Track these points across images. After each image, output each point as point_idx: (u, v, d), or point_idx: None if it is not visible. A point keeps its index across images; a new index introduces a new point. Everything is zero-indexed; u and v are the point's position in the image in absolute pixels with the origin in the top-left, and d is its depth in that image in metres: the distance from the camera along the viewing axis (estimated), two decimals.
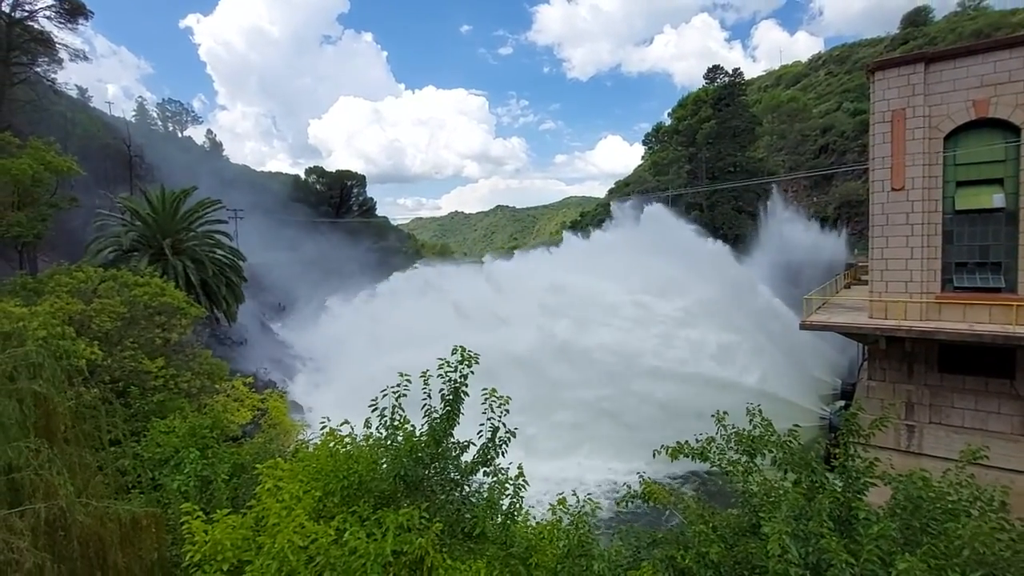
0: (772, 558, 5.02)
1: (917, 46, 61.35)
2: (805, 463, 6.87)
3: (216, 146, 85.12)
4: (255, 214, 55.76)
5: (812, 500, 6.17)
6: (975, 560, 4.91)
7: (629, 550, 7.27)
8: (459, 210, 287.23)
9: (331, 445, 5.48)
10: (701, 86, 67.62)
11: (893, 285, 17.42)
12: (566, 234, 63.41)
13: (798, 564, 4.96)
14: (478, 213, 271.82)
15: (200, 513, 5.36)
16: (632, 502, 8.85)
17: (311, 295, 50.37)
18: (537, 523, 6.03)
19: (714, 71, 64.46)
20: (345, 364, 33.57)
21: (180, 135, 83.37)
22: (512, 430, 5.97)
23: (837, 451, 7.10)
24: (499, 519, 5.71)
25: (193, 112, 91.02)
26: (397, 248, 78.96)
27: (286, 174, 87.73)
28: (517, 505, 5.89)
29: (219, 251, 26.01)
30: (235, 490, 7.49)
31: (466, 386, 5.82)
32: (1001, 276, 16.15)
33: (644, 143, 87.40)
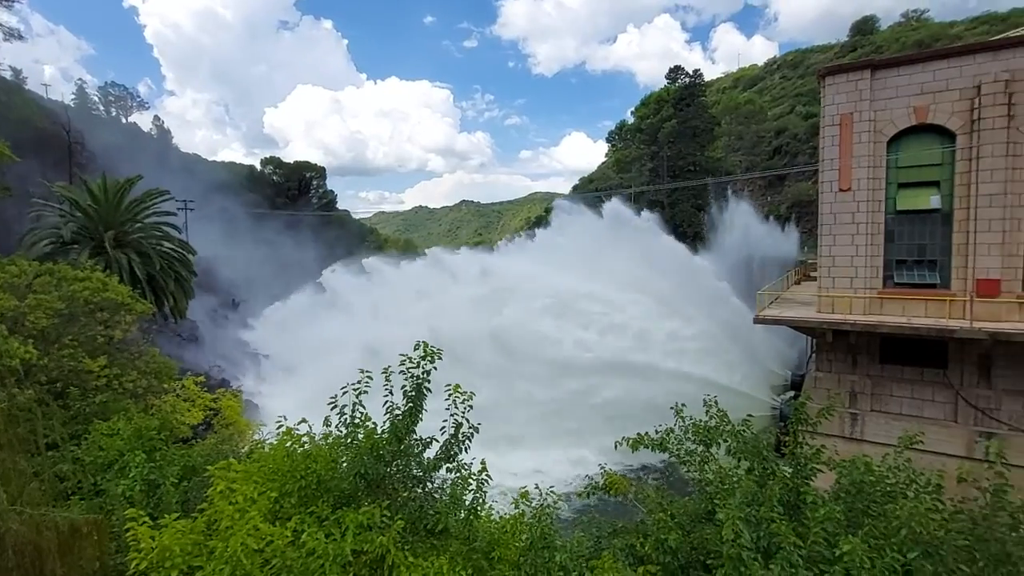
0: (726, 543, 5.21)
1: (864, 53, 64.50)
2: (757, 451, 7.16)
3: (164, 133, 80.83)
4: (207, 206, 53.45)
5: (764, 486, 6.44)
6: (911, 539, 5.22)
7: (590, 540, 7.40)
8: (423, 204, 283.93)
9: (288, 445, 5.31)
10: (663, 86, 69.15)
11: (839, 281, 18.31)
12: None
13: (750, 548, 5.17)
14: (443, 208, 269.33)
15: (147, 519, 5.10)
16: (594, 493, 9.03)
17: (268, 290, 48.77)
18: (500, 517, 6.04)
19: (675, 71, 65.93)
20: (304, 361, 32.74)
21: (124, 121, 78.82)
22: (476, 425, 5.95)
23: (787, 439, 7.43)
24: (462, 514, 5.69)
25: (138, 97, 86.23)
26: (359, 242, 77.29)
27: (240, 164, 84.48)
28: (480, 500, 5.89)
29: (167, 244, 24.79)
30: (185, 493, 7.17)
31: (428, 382, 5.76)
32: (936, 273, 17.22)
33: (608, 140, 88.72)
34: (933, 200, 17.18)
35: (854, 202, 17.87)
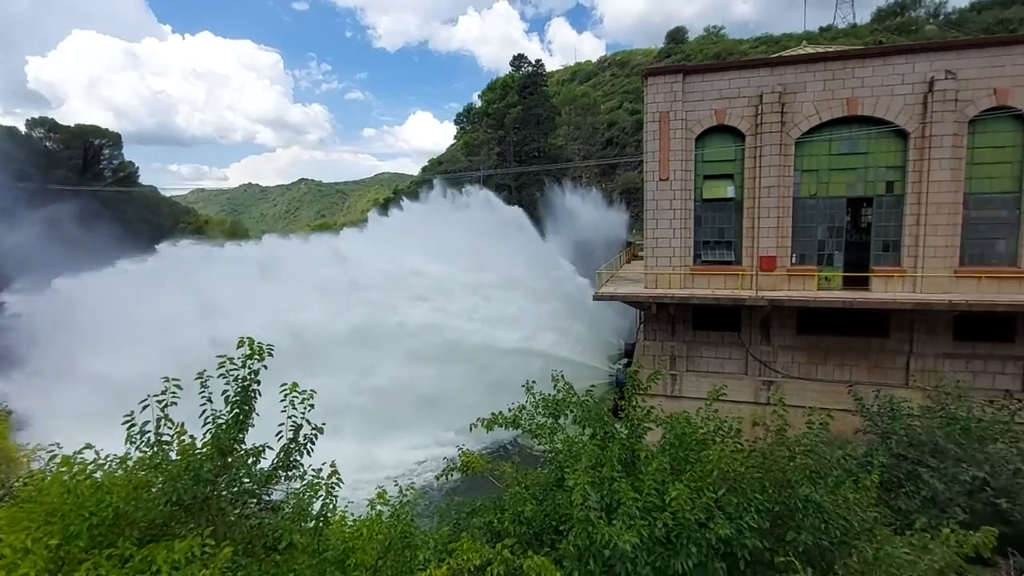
0: (575, 507, 5.56)
1: (677, 60, 73.46)
2: (599, 418, 7.78)
3: None
4: None
5: (605, 449, 7.02)
6: (721, 478, 6.13)
7: (449, 525, 7.38)
8: (253, 182, 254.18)
9: (65, 478, 4.20)
10: (508, 72, 70.98)
11: (661, 260, 20.83)
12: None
13: (596, 508, 5.59)
14: (277, 186, 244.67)
15: None
16: (451, 474, 9.04)
17: (45, 283, 39.32)
18: (355, 520, 5.64)
19: (519, 59, 68.14)
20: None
21: None
22: (319, 426, 5.42)
23: (623, 403, 8.20)
24: (310, 524, 5.18)
25: None
26: (172, 224, 66.48)
27: None
28: (331, 505, 5.42)
29: None
30: None
31: (257, 383, 5.06)
32: (732, 252, 20.53)
33: (456, 123, 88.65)
34: (729, 190, 20.35)
35: (671, 190, 20.36)
